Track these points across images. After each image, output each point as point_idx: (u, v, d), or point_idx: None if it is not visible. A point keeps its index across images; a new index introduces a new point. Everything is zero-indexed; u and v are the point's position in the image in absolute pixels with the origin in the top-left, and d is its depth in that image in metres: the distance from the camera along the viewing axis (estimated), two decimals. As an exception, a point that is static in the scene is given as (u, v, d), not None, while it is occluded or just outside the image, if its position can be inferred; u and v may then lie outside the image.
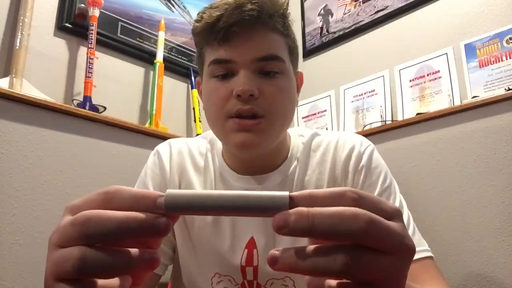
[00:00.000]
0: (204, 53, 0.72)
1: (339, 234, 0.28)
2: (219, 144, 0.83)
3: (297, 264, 0.29)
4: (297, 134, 0.84)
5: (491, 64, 1.44)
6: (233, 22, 0.65)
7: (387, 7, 1.81)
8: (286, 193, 0.30)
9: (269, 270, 0.72)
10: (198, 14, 0.71)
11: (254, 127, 0.67)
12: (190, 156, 0.83)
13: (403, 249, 0.30)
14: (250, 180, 0.77)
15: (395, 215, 0.31)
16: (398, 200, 0.78)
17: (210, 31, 0.67)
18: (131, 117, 1.66)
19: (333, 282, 0.29)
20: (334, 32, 2.01)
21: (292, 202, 0.30)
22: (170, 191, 0.31)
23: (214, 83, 0.70)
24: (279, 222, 0.29)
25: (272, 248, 0.70)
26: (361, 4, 1.92)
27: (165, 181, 0.83)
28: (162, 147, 0.87)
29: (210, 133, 0.86)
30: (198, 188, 0.80)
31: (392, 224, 0.30)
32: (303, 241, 0.76)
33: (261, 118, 0.67)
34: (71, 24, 1.54)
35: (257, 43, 0.67)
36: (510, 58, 1.40)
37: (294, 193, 0.30)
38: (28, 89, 1.32)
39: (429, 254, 0.73)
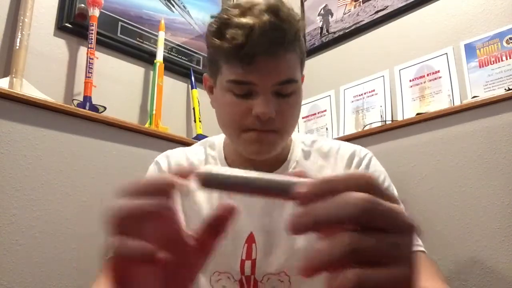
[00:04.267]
0: (220, 64, 0.74)
1: (343, 219, 0.29)
2: (219, 148, 0.88)
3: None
4: (299, 139, 0.89)
5: (491, 64, 1.44)
6: (259, 50, 0.67)
7: (387, 7, 1.81)
8: (294, 180, 0.33)
9: (266, 265, 0.76)
10: (216, 22, 0.72)
11: (271, 140, 0.74)
12: (188, 164, 0.87)
13: (406, 226, 0.30)
14: None
15: (394, 200, 0.32)
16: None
17: (234, 53, 0.68)
18: (131, 117, 1.67)
19: (349, 273, 0.29)
20: (334, 32, 2.01)
21: (304, 198, 0.31)
22: (206, 167, 0.35)
23: (232, 98, 0.73)
24: (290, 227, 0.30)
25: (270, 243, 0.77)
26: (361, 4, 1.92)
27: None
28: (161, 159, 0.91)
29: (208, 140, 0.92)
30: (200, 196, 0.83)
31: (392, 205, 0.30)
32: (302, 237, 0.78)
33: (274, 132, 0.74)
34: (71, 24, 1.54)
35: (277, 68, 0.70)
36: (510, 58, 1.40)
37: (311, 181, 0.32)
38: (28, 89, 1.32)
39: (422, 249, 0.75)
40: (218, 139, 0.91)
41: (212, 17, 0.75)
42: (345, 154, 0.85)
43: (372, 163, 0.86)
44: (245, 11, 0.69)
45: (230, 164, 0.85)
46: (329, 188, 0.30)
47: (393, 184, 0.92)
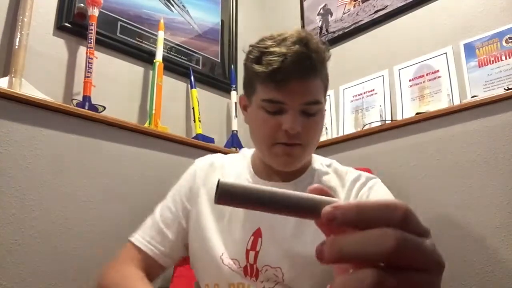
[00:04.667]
0: (256, 85, 0.86)
1: (372, 257, 0.28)
2: (248, 158, 1.00)
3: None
4: (318, 159, 0.99)
5: (490, 63, 1.44)
6: (290, 75, 0.80)
7: (387, 6, 1.81)
8: (335, 200, 0.31)
9: (266, 257, 0.84)
10: (253, 49, 0.86)
11: (295, 153, 0.85)
12: (223, 167, 0.99)
13: (435, 265, 0.29)
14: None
15: (427, 234, 0.31)
16: None
17: (269, 76, 0.80)
18: (130, 116, 1.66)
19: None
20: (334, 32, 2.01)
21: (334, 219, 0.30)
22: (223, 180, 0.31)
23: (264, 115, 0.85)
24: (318, 255, 0.30)
25: (273, 240, 0.85)
26: (361, 3, 1.93)
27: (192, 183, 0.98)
28: (198, 160, 1.04)
29: (243, 151, 1.05)
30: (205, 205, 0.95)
31: (422, 241, 0.29)
32: (304, 236, 0.80)
33: (299, 146, 0.84)
34: (71, 24, 1.53)
35: (306, 91, 0.82)
36: (509, 57, 1.41)
37: (341, 204, 0.30)
38: (27, 88, 1.32)
39: None
40: (250, 151, 1.02)
41: (250, 46, 0.88)
42: (352, 177, 0.92)
43: (376, 186, 0.91)
44: (280, 41, 0.81)
45: (256, 172, 0.95)
46: (363, 218, 0.29)
47: (393, 184, 0.93)
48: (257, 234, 0.87)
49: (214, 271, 0.87)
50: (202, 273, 0.91)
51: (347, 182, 0.92)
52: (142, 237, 0.93)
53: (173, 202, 0.98)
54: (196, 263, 0.92)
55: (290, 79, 0.80)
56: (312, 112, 0.84)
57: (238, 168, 0.98)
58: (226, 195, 0.31)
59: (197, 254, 0.91)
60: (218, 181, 0.31)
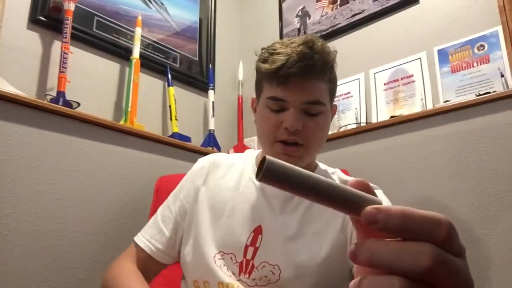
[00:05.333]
0: (263, 85, 0.91)
1: (401, 270, 0.27)
2: (253, 158, 1.02)
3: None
4: (324, 167, 1.01)
5: (462, 69, 1.48)
6: (292, 72, 0.83)
7: (364, 11, 1.84)
8: (378, 200, 0.30)
9: (265, 254, 0.85)
10: (263, 51, 0.91)
11: (295, 153, 0.87)
12: (226, 163, 1.01)
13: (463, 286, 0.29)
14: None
15: (463, 253, 0.30)
16: None
17: (273, 74, 0.85)
18: (105, 113, 1.64)
19: None
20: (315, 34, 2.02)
21: (377, 223, 0.29)
22: (270, 158, 0.29)
23: (268, 113, 0.88)
24: (350, 256, 0.29)
25: (274, 237, 0.86)
26: (338, 7, 1.95)
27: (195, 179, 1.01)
28: (201, 159, 1.06)
29: (248, 151, 1.08)
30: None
31: (458, 262, 0.29)
32: (306, 236, 0.81)
33: (300, 146, 0.87)
34: (45, 18, 1.50)
35: (307, 90, 0.86)
36: (480, 64, 1.45)
37: (387, 207, 0.29)
38: (0, 83, 1.28)
39: None
40: (255, 152, 1.05)
41: (263, 48, 0.92)
42: None
43: (383, 196, 0.94)
44: (287, 44, 0.87)
45: None
46: (406, 228, 0.28)
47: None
48: (258, 230, 0.88)
49: (205, 270, 0.88)
50: (192, 271, 0.92)
51: None
52: (142, 236, 0.97)
53: (173, 201, 1.01)
54: (186, 260, 0.93)
55: (292, 77, 0.84)
56: (313, 112, 0.87)
57: (242, 167, 0.99)
58: (271, 172, 0.28)
59: (189, 252, 0.92)
60: (264, 157, 0.29)
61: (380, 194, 0.94)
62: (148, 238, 0.96)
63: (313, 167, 0.99)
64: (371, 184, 0.90)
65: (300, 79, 0.85)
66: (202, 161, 1.05)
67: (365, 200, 0.30)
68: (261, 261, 0.85)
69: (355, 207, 0.30)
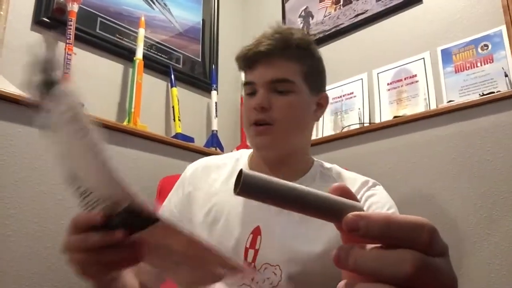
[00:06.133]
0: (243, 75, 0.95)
1: (383, 277, 0.27)
2: (245, 157, 1.01)
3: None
4: (319, 163, 1.00)
5: (466, 69, 1.48)
6: (255, 54, 0.89)
7: (367, 11, 1.83)
8: (359, 205, 0.30)
9: (266, 256, 0.83)
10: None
11: (265, 131, 0.87)
12: (216, 167, 1.00)
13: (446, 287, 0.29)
14: None
15: (446, 252, 0.31)
16: None
17: (242, 60, 0.92)
18: (109, 114, 1.64)
19: None
20: (315, 34, 2.02)
21: (358, 230, 0.29)
22: (246, 171, 0.28)
23: (245, 99, 0.93)
24: (334, 258, 0.30)
25: (273, 238, 0.85)
26: (342, 7, 1.95)
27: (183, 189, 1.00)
28: (191, 165, 1.04)
29: (241, 150, 1.06)
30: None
31: (440, 263, 0.29)
32: (306, 235, 0.81)
33: (271, 126, 0.87)
34: (49, 19, 1.50)
35: (271, 69, 0.88)
36: (484, 64, 1.44)
37: (368, 214, 0.29)
38: (3, 84, 1.29)
39: None
40: (248, 151, 1.03)
41: None
42: (356, 181, 0.93)
43: (378, 192, 0.93)
44: (262, 34, 0.91)
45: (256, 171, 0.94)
46: (388, 234, 0.28)
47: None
48: (256, 232, 0.87)
49: None
50: None
51: (350, 187, 0.92)
52: None
53: (164, 211, 0.99)
54: None
55: (257, 59, 0.89)
56: (281, 89, 0.88)
57: (234, 167, 0.98)
58: (248, 186, 0.28)
59: None
60: (241, 171, 0.28)
61: (380, 190, 0.94)
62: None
63: (308, 163, 0.98)
64: (370, 180, 0.89)
65: (263, 58, 0.88)
66: (192, 167, 1.03)
67: (346, 207, 0.30)
68: (262, 263, 0.84)
69: (337, 214, 0.29)
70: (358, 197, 0.87)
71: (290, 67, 0.89)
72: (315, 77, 0.95)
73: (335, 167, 1.00)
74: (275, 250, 0.84)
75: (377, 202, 0.90)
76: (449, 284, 0.29)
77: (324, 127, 1.83)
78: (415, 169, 1.49)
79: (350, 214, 0.29)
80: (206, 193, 0.95)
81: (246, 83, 0.92)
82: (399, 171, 1.53)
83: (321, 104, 0.98)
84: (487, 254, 1.29)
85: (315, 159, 1.01)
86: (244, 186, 0.28)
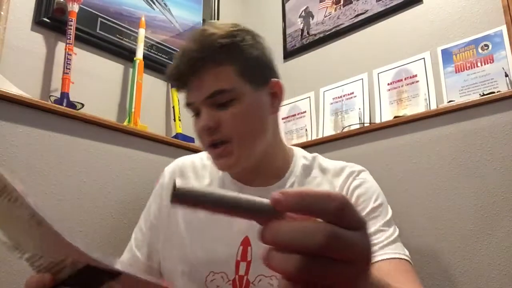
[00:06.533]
0: None
1: (300, 247, 0.30)
2: None
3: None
4: (301, 155, 0.94)
5: (466, 69, 1.48)
6: (181, 74, 0.80)
7: (367, 11, 1.83)
8: (267, 201, 0.33)
9: (260, 267, 0.78)
10: None
11: (224, 153, 0.79)
12: (193, 171, 0.95)
13: (361, 258, 0.32)
14: (251, 193, 0.86)
15: (361, 226, 0.33)
16: (387, 219, 0.85)
17: (172, 82, 0.83)
18: (109, 114, 1.64)
19: None
20: (315, 34, 2.02)
21: (279, 204, 0.32)
22: (179, 185, 0.32)
23: (194, 120, 0.84)
24: (258, 235, 0.33)
25: (264, 246, 0.76)
26: (342, 7, 1.95)
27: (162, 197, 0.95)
28: (166, 170, 0.99)
29: None
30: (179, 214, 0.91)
31: (353, 236, 0.32)
32: None
33: (227, 143, 0.79)
34: (49, 19, 1.51)
35: (204, 84, 0.79)
36: (484, 64, 1.44)
37: (287, 190, 0.32)
38: (3, 84, 1.29)
39: (409, 259, 0.79)
40: None
41: None
42: (340, 171, 0.90)
43: (365, 182, 0.90)
44: (187, 39, 0.83)
45: (234, 177, 0.90)
46: (302, 204, 0.32)
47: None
48: (246, 243, 0.82)
49: None
50: None
51: (334, 179, 0.90)
52: (121, 261, 0.91)
53: (144, 221, 0.96)
54: (177, 286, 0.87)
55: (187, 77, 0.80)
56: (222, 102, 0.79)
57: (212, 168, 0.92)
58: (181, 198, 0.32)
59: (178, 276, 0.86)
60: (174, 182, 0.32)
61: (366, 179, 0.92)
62: (125, 263, 0.87)
63: (287, 160, 0.92)
64: (355, 168, 0.89)
65: (191, 75, 0.79)
66: (168, 170, 0.98)
67: (264, 204, 0.33)
68: (256, 275, 0.80)
69: (258, 213, 0.33)
70: (345, 188, 0.87)
71: (222, 73, 0.79)
72: (255, 70, 0.83)
73: (318, 159, 0.95)
74: None
75: (364, 193, 0.87)
76: (360, 256, 0.32)
77: (324, 127, 1.83)
78: (416, 169, 1.49)
79: (274, 192, 0.32)
80: None
81: (187, 105, 0.84)
82: (399, 171, 1.53)
83: (275, 92, 0.87)
84: (487, 254, 1.29)
85: (295, 150, 0.95)
86: (177, 197, 0.32)
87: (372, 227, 0.81)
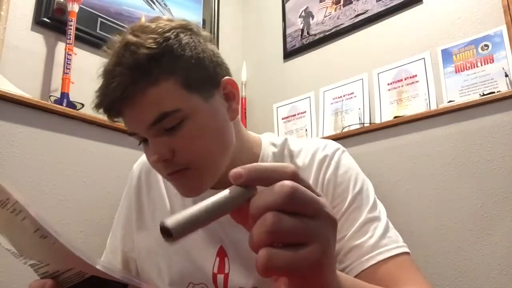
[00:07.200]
0: None
1: (270, 206, 0.33)
2: None
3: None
4: (269, 142, 0.83)
5: (466, 69, 1.48)
6: (111, 103, 0.65)
7: (367, 11, 1.83)
8: (239, 188, 0.35)
9: (239, 280, 0.74)
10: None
11: (187, 180, 0.68)
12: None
13: (325, 215, 0.35)
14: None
15: (319, 194, 0.36)
16: (371, 203, 0.77)
17: (103, 112, 0.67)
18: (109, 114, 1.64)
19: (261, 251, 0.32)
20: (315, 35, 2.02)
21: (240, 178, 0.35)
22: (167, 223, 0.32)
23: (144, 148, 0.71)
24: (232, 215, 0.37)
25: (242, 256, 0.75)
26: (342, 7, 1.95)
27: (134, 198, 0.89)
28: (135, 168, 0.94)
29: None
30: (167, 201, 0.85)
31: (312, 193, 0.35)
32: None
33: (185, 170, 0.67)
34: (49, 19, 1.51)
35: (143, 111, 0.64)
36: (484, 64, 1.44)
37: (247, 166, 0.35)
38: (3, 84, 1.29)
39: (406, 249, 0.74)
40: None
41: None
42: (311, 162, 0.80)
43: (341, 163, 0.81)
44: (106, 66, 0.66)
45: None
46: (262, 175, 0.35)
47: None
48: (221, 253, 0.76)
49: None
50: None
51: (304, 173, 0.78)
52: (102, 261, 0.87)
53: (116, 226, 0.91)
54: None
55: (119, 105, 0.65)
56: (172, 126, 0.65)
57: None
58: (179, 235, 0.32)
59: (158, 284, 0.81)
60: (162, 223, 0.32)
61: (340, 164, 0.81)
62: (132, 275, 0.85)
63: (254, 153, 0.80)
64: (327, 152, 0.80)
65: (123, 103, 0.64)
66: (136, 169, 0.91)
67: (239, 191, 0.35)
68: None
69: (242, 203, 0.35)
70: (319, 183, 0.77)
71: (162, 91, 0.63)
72: (201, 75, 0.68)
73: (287, 144, 0.83)
74: (247, 271, 0.74)
75: (341, 183, 0.77)
76: (324, 212, 0.35)
77: (324, 127, 1.83)
78: (416, 169, 1.49)
79: (235, 169, 0.35)
80: (154, 205, 0.84)
81: (130, 134, 0.69)
82: (399, 171, 1.53)
83: (229, 93, 0.73)
84: (487, 254, 1.29)
85: (263, 138, 0.83)
86: (177, 235, 0.32)
87: (358, 219, 0.73)
